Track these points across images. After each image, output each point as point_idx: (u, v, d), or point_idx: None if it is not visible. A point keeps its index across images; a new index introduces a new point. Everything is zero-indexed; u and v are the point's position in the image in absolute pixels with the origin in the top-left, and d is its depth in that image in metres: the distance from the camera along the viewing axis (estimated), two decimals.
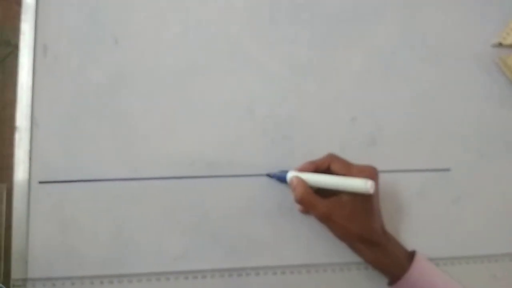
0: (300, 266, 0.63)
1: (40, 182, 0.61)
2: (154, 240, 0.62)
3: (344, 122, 0.66)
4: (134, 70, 0.64)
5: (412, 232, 0.65)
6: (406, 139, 0.67)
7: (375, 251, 0.58)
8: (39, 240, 0.60)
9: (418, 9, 0.70)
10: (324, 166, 0.59)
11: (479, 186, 0.67)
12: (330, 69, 0.67)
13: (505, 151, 0.68)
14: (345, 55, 0.67)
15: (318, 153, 0.60)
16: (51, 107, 0.63)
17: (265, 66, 0.66)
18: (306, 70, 0.67)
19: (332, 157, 0.59)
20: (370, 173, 0.57)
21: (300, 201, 0.57)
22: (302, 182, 0.58)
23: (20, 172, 0.61)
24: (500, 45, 0.70)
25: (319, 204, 0.57)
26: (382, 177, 0.59)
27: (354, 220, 0.57)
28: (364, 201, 0.56)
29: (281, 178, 0.62)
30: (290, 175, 0.60)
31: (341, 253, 0.62)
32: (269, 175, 0.63)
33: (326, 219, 0.57)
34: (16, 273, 0.60)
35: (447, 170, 0.67)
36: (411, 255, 0.59)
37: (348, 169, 0.58)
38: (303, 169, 0.59)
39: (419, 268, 0.58)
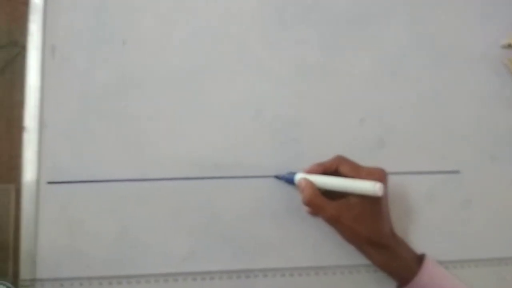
0: (309, 268, 0.63)
1: (49, 183, 0.61)
2: (161, 241, 0.62)
3: (353, 124, 0.66)
4: (142, 72, 0.64)
5: (421, 234, 0.64)
6: (415, 141, 0.66)
7: (383, 253, 0.58)
8: (48, 241, 0.60)
9: (427, 10, 0.69)
10: (332, 168, 0.58)
11: (488, 188, 0.67)
12: (339, 70, 0.67)
13: None
14: (353, 56, 0.67)
15: (326, 155, 0.60)
16: (59, 108, 0.63)
17: (273, 67, 0.66)
18: (315, 71, 0.66)
19: (341, 159, 0.59)
20: (379, 175, 0.57)
21: (308, 203, 0.57)
22: (310, 184, 0.58)
23: (29, 173, 0.61)
24: (509, 46, 0.70)
25: (327, 206, 0.56)
26: (391, 179, 0.58)
27: (363, 223, 0.56)
28: (372, 203, 0.56)
29: (289, 180, 0.61)
30: (298, 177, 0.60)
31: (350, 255, 0.62)
32: (277, 177, 0.63)
33: (334, 222, 0.57)
34: (24, 273, 0.59)
35: (457, 172, 0.67)
36: (420, 258, 0.59)
37: (356, 171, 0.57)
38: (311, 171, 0.59)
39: (429, 272, 0.57)
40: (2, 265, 0.59)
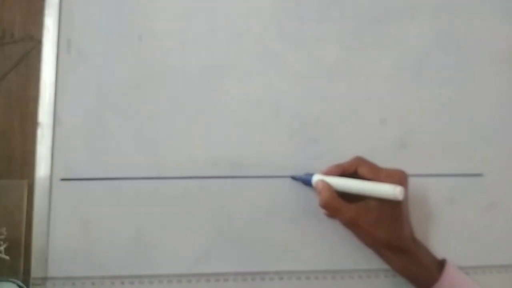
0: (325, 271, 0.61)
1: (62, 180, 0.61)
2: (175, 241, 0.61)
3: (373, 124, 0.65)
4: (158, 68, 0.64)
5: (442, 239, 0.63)
6: (437, 143, 0.65)
7: (403, 258, 0.56)
8: (60, 239, 0.60)
9: (451, 8, 0.68)
10: (351, 170, 0.58)
11: None
12: (360, 69, 0.65)
13: None
14: (375, 55, 0.66)
15: (345, 156, 0.59)
16: (74, 104, 0.62)
17: (292, 65, 0.65)
18: (335, 70, 0.65)
19: (360, 160, 0.58)
20: (399, 178, 0.56)
21: (325, 205, 0.56)
22: (328, 186, 0.57)
23: (42, 169, 0.61)
24: None
25: (345, 209, 0.55)
26: (412, 182, 0.57)
27: (381, 227, 0.55)
28: (392, 207, 0.55)
29: (306, 181, 0.60)
30: (316, 178, 0.59)
31: (368, 259, 0.61)
32: (294, 178, 0.62)
33: (352, 225, 0.56)
34: (36, 271, 0.59)
35: (480, 175, 0.65)
36: (441, 264, 0.57)
37: (376, 173, 0.56)
38: (329, 172, 0.58)
39: (450, 278, 0.56)
40: (13, 263, 0.59)
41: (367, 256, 0.60)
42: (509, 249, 0.64)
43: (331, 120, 0.64)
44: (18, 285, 0.58)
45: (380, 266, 0.60)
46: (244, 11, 0.65)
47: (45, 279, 0.59)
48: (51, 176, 0.61)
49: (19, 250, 0.59)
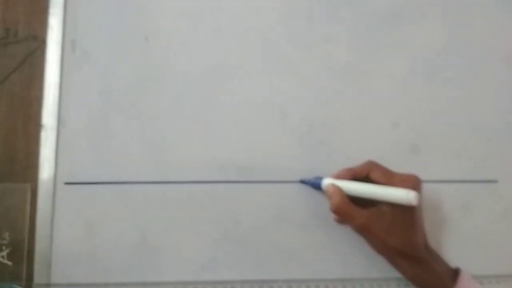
0: (335, 280, 0.60)
1: (66, 183, 0.60)
2: (181, 247, 0.60)
3: (385, 128, 0.63)
4: (164, 69, 0.63)
5: (456, 247, 0.62)
6: (450, 147, 0.64)
7: (416, 267, 0.55)
8: (63, 244, 0.59)
9: (464, 9, 0.66)
10: (362, 174, 0.57)
11: None
12: (371, 71, 0.64)
13: None
14: (386, 57, 0.65)
15: (356, 161, 0.58)
16: (78, 105, 0.62)
17: (301, 67, 0.64)
18: (344, 71, 0.64)
19: (372, 165, 0.57)
20: (413, 183, 0.54)
21: (336, 210, 0.55)
22: (339, 190, 0.56)
23: (46, 172, 0.60)
24: None
25: (356, 214, 0.54)
26: (424, 188, 0.56)
27: (394, 233, 0.54)
28: (405, 212, 0.53)
29: (315, 185, 0.60)
30: (326, 182, 0.58)
31: (380, 267, 0.59)
32: (302, 181, 0.61)
33: (364, 231, 0.55)
34: (39, 277, 0.59)
35: (495, 181, 0.64)
36: (455, 273, 0.56)
37: (389, 178, 0.55)
38: (340, 176, 0.57)
39: (464, 287, 0.54)
40: (16, 268, 0.58)
41: (379, 264, 0.59)
42: None
43: (340, 122, 0.63)
44: None
45: (392, 275, 0.59)
46: (250, 10, 0.65)
47: (48, 285, 0.58)
48: (55, 179, 0.60)
49: (22, 255, 0.59)
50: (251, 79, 0.63)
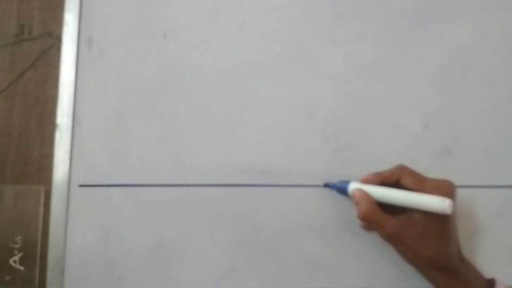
0: None
1: (81, 186, 0.60)
2: (199, 254, 0.60)
3: (415, 130, 0.62)
4: (184, 68, 0.62)
5: (491, 256, 0.60)
6: (485, 151, 0.62)
7: (449, 278, 0.53)
8: (77, 249, 0.59)
9: (499, 4, 0.64)
10: (392, 179, 0.55)
11: None
12: (400, 70, 0.63)
13: None
14: (417, 55, 0.63)
15: (384, 164, 0.56)
16: (94, 105, 0.62)
17: (327, 65, 0.62)
18: (373, 70, 0.63)
19: (403, 170, 0.55)
20: (447, 189, 0.53)
21: (364, 218, 0.54)
22: (367, 196, 0.54)
23: (60, 174, 0.60)
24: None
25: (386, 222, 0.53)
26: (457, 193, 0.54)
27: (427, 243, 0.52)
28: (439, 221, 0.52)
29: (341, 189, 0.58)
30: (353, 186, 0.56)
31: (409, 278, 0.58)
32: (327, 185, 0.60)
33: (394, 240, 0.53)
34: (51, 284, 0.59)
35: None
36: (490, 284, 0.54)
37: (421, 184, 0.53)
38: (367, 181, 0.56)
39: None
40: (28, 274, 0.59)
41: (408, 275, 0.58)
42: None
43: (368, 124, 0.62)
44: None
45: (422, 286, 0.56)
46: (275, 7, 0.63)
47: None
48: (69, 181, 0.60)
49: (35, 260, 0.58)
50: (274, 79, 0.62)
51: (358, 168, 0.60)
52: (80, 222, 0.59)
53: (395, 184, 0.55)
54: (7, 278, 0.58)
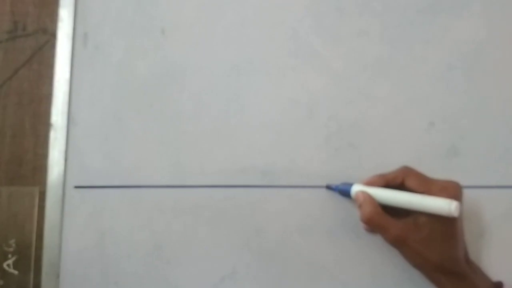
0: None
1: (76, 187, 0.60)
2: (199, 256, 0.59)
3: (420, 129, 0.61)
4: (183, 65, 0.62)
5: (498, 259, 0.59)
6: (492, 150, 0.60)
7: (456, 283, 0.52)
8: (73, 252, 0.59)
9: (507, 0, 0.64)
10: (397, 181, 0.54)
11: None
12: (405, 67, 0.62)
13: None
14: (422, 51, 0.62)
15: (388, 165, 0.56)
16: (90, 104, 0.61)
17: (329, 62, 0.62)
18: (377, 67, 0.62)
19: (408, 171, 0.54)
20: (453, 191, 0.52)
21: (367, 221, 0.53)
22: (371, 198, 0.54)
23: (55, 175, 0.60)
24: None
25: (391, 226, 0.52)
26: (464, 194, 0.53)
27: (433, 247, 0.52)
28: (445, 224, 0.51)
29: (343, 192, 0.58)
30: (356, 189, 0.56)
31: (414, 282, 0.57)
32: (329, 187, 0.59)
33: (399, 244, 0.52)
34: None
35: None
36: (497, 287, 0.54)
37: (427, 185, 0.52)
38: (371, 183, 0.55)
39: None
40: (22, 278, 0.58)
41: (414, 279, 0.57)
42: None
43: (372, 123, 0.61)
44: None
45: None
46: (277, 2, 0.63)
47: None
48: (64, 182, 0.60)
49: (29, 264, 0.58)
50: (276, 76, 0.62)
51: (360, 168, 0.60)
52: (75, 225, 0.59)
53: (400, 186, 0.54)
54: (1, 282, 0.58)
